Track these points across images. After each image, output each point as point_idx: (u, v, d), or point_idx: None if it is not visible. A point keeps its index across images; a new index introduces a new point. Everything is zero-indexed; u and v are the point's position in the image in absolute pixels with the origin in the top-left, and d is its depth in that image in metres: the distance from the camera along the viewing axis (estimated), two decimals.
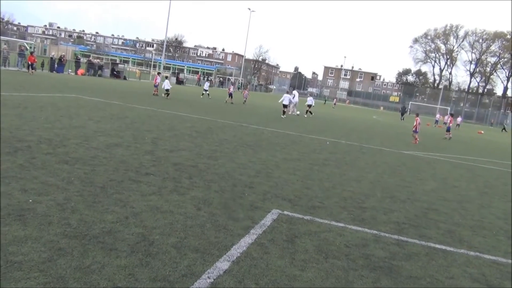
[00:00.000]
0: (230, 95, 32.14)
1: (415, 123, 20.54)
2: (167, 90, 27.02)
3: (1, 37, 47.56)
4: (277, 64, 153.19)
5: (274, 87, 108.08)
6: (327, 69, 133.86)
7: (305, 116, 28.70)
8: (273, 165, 9.48)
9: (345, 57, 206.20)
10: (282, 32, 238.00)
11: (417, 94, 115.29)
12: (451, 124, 27.13)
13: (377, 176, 10.09)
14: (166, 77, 32.60)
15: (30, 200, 5.05)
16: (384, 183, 9.38)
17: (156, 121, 14.41)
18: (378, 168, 11.32)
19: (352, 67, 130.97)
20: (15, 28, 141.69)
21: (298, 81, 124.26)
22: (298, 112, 29.58)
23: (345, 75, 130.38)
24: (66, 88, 23.15)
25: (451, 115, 27.98)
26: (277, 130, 17.11)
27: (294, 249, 4.79)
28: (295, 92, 32.86)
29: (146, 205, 5.49)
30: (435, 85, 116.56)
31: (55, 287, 3.28)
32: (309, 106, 30.02)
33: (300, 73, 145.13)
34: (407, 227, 6.28)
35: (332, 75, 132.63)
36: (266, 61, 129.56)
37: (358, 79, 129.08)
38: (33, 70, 31.75)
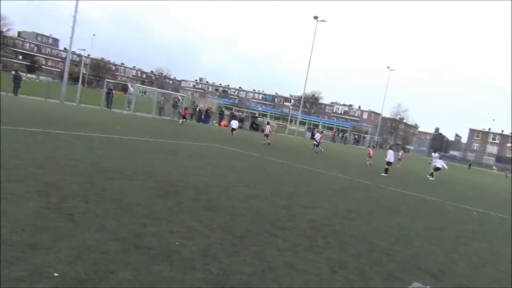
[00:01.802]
0: (317, 144, 31.82)
1: None
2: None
3: (159, 89, 53.66)
4: (416, 124, 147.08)
5: (412, 147, 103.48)
6: (472, 131, 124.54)
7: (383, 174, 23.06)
8: (413, 233, 8.86)
9: (493, 119, 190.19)
10: (423, 91, 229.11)
11: None
12: None
13: None
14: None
15: (177, 243, 5.39)
16: None
17: (292, 175, 14.64)
18: None
19: (502, 131, 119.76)
20: (170, 81, 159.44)
21: (438, 143, 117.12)
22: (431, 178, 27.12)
23: (493, 139, 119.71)
24: (210, 138, 25.00)
25: None
26: (418, 194, 16.11)
27: None
28: (435, 154, 30.92)
29: (281, 261, 5.48)
30: None
31: None
32: (437, 169, 26.92)
33: (441, 134, 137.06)
34: None
35: (478, 139, 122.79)
36: (404, 120, 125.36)
37: (509, 144, 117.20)
38: (183, 120, 35.36)
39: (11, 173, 7.25)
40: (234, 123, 32.97)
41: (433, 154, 30.49)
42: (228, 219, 7.02)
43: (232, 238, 6.03)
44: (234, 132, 31.58)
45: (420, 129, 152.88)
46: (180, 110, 40.31)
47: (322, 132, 36.67)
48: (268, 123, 32.41)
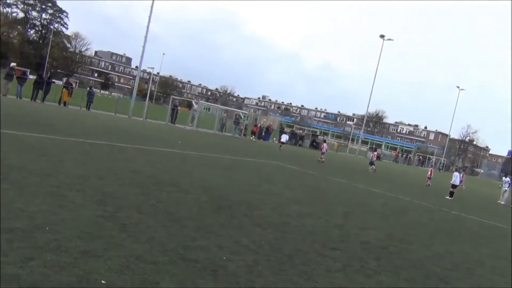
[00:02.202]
0: (372, 163, 31.01)
1: None
2: None
3: (221, 106, 54.82)
4: (487, 146, 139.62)
5: (482, 171, 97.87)
6: None
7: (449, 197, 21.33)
8: (475, 260, 8.32)
9: None
10: (495, 112, 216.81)
11: None
12: None
13: None
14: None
15: (224, 257, 5.40)
16: None
17: (349, 194, 14.31)
18: None
19: None
20: (234, 99, 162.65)
21: None
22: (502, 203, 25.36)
23: None
24: (269, 155, 25.07)
25: None
26: (483, 220, 15.18)
27: None
28: (507, 179, 29.05)
29: (329, 282, 5.33)
30: None
31: None
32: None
33: None
34: None
35: None
36: (474, 142, 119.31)
37: None
38: (254, 137, 36.91)
39: (73, 183, 7.65)
40: (284, 137, 34.99)
41: (503, 178, 28.72)
42: (278, 236, 6.95)
43: (280, 256, 5.96)
44: (282, 146, 33.10)
45: (491, 152, 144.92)
46: (241, 126, 41.01)
47: (375, 150, 36.04)
48: (324, 141, 32.48)
